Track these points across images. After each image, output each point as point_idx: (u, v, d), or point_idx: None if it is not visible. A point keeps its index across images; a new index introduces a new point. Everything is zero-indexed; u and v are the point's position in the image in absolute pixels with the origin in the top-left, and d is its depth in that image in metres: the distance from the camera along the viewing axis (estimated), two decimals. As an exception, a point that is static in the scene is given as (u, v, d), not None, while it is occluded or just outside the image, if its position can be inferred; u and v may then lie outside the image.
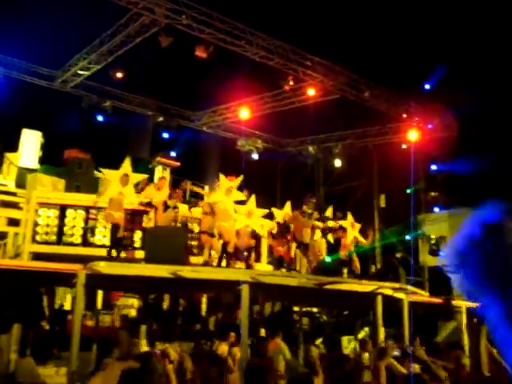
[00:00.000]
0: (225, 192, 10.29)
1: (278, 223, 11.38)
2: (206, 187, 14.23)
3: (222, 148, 17.09)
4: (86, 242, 11.30)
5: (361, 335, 12.91)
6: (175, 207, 10.01)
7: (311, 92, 14.14)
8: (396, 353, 4.48)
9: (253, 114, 15.11)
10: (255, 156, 16.49)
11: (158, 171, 13.36)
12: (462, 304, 12.11)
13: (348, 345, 13.30)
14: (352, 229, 12.29)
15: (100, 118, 15.82)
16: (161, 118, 16.02)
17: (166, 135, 16.26)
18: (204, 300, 12.90)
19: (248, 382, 3.17)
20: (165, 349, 6.75)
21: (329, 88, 14.20)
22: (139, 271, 8.06)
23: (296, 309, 14.64)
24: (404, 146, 16.17)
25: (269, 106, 15.46)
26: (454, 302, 11.79)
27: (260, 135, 17.06)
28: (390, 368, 3.67)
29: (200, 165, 16.16)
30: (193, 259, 10.56)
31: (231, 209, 10.41)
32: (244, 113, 14.82)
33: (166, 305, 12.46)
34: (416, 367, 3.98)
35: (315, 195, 12.14)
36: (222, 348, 8.86)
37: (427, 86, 17.45)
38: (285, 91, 14.75)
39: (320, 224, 11.61)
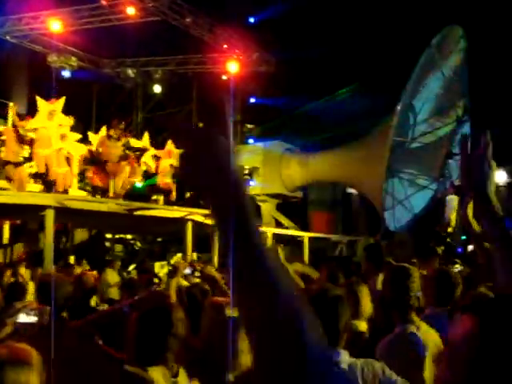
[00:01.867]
0: (47, 116, 9.51)
1: (90, 151, 10.88)
2: (11, 104, 12.89)
3: (30, 62, 15.41)
4: None
5: (173, 260, 13.25)
6: None
7: (131, 11, 13.34)
8: (187, 271, 4.71)
9: (66, 28, 13.78)
10: (67, 74, 15.21)
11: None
12: (268, 230, 13.08)
13: (160, 270, 13.59)
14: (169, 157, 12.34)
15: None
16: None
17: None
18: (6, 227, 12.00)
19: None
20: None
21: (149, 9, 13.54)
22: None
23: (109, 236, 14.43)
24: (224, 77, 16.37)
25: (84, 22, 14.21)
26: (261, 228, 12.67)
27: (74, 52, 15.72)
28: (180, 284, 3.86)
29: (3, 78, 14.45)
30: None
31: (55, 135, 9.68)
32: (55, 25, 13.44)
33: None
34: (197, 280, 4.30)
35: (126, 121, 11.73)
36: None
37: (251, 20, 17.74)
38: (102, 6, 13.69)
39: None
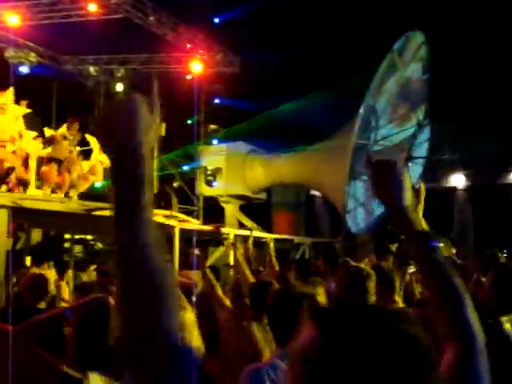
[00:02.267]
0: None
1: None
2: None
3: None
4: None
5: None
6: None
7: (92, 7, 13.08)
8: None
9: (24, 22, 13.40)
10: (25, 69, 14.77)
11: None
12: (231, 231, 13.03)
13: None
14: None
15: None
16: None
17: None
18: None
19: None
20: None
21: (112, 6, 13.31)
22: None
23: (68, 236, 14.14)
24: (188, 77, 16.26)
25: (44, 16, 13.87)
26: (224, 230, 12.64)
27: (33, 47, 15.29)
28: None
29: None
30: None
31: (9, 127, 9.40)
32: (13, 19, 13.04)
33: None
34: None
35: (79, 120, 11.42)
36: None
37: (216, 20, 17.68)
38: (63, 1, 13.38)
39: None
